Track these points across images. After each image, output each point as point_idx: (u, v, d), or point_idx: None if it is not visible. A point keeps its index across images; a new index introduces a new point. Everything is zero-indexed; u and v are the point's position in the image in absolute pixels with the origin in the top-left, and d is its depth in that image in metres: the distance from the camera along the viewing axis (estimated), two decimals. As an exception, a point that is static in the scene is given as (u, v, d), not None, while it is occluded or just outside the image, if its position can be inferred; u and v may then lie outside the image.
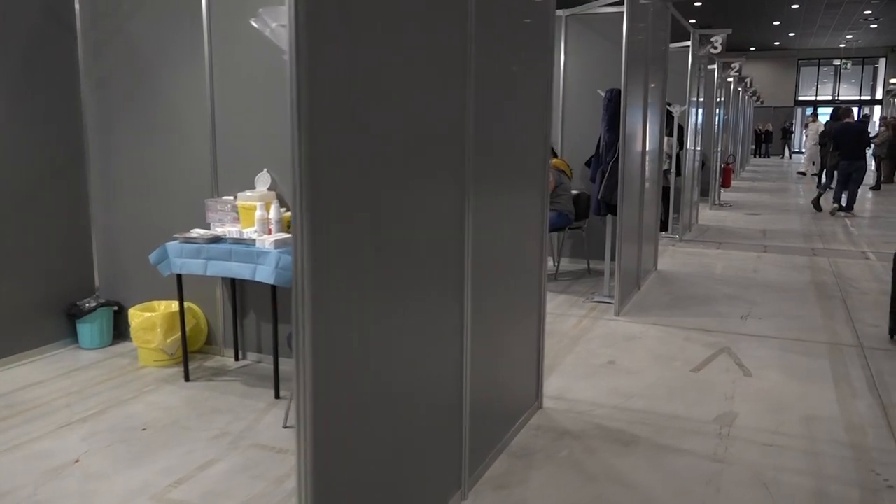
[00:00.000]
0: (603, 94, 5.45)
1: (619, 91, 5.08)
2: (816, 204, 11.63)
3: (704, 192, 12.63)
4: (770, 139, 31.00)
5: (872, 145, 13.05)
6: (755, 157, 30.27)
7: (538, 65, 3.17)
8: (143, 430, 3.19)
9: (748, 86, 15.95)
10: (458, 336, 2.51)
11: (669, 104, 8.89)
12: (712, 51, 8.09)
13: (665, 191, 9.25)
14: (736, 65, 11.21)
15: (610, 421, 3.35)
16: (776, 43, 31.64)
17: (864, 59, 33.32)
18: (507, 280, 2.96)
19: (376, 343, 1.97)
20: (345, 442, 1.83)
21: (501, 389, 2.99)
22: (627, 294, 5.59)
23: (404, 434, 2.16)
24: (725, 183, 12.55)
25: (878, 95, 32.15)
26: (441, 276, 2.34)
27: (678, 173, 8.98)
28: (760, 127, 30.53)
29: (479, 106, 2.53)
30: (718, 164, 12.48)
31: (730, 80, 14.61)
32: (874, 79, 33.56)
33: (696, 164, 9.77)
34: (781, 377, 3.95)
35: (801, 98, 34.62)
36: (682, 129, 8.81)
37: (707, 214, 11.21)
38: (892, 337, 4.75)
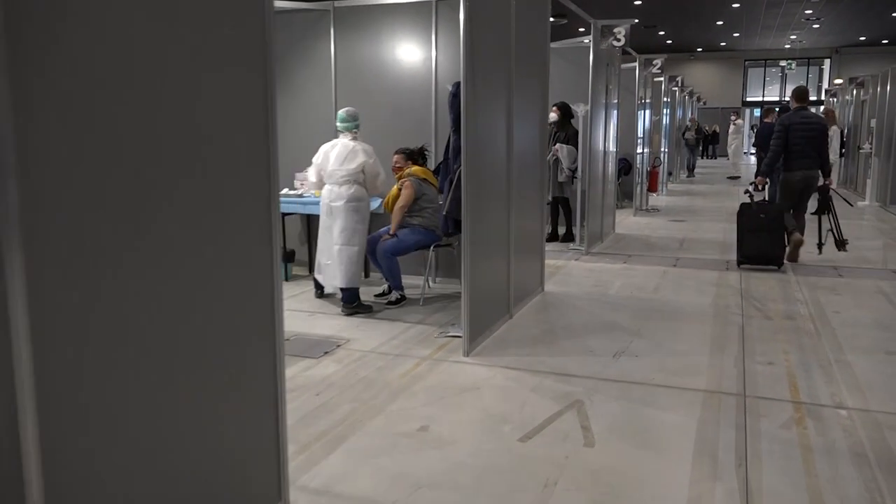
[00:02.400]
0: (450, 89, 4.56)
1: (464, 84, 4.19)
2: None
3: (631, 198, 11.91)
4: (717, 140, 30.71)
5: None
6: (702, 158, 29.92)
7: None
8: None
9: (679, 84, 15.30)
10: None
11: (568, 105, 8.06)
12: (615, 43, 7.30)
13: (565, 202, 8.47)
14: (657, 62, 10.48)
15: (370, 531, 2.43)
16: (722, 44, 31.42)
17: (809, 59, 33.38)
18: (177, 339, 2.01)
19: None
20: None
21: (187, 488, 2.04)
22: (489, 326, 4.70)
23: None
24: (651, 187, 11.83)
25: (824, 96, 32.17)
26: None
27: (573, 180, 8.25)
28: (707, 128, 30.18)
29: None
30: (644, 167, 11.75)
31: (658, 79, 13.96)
32: (820, 79, 33.64)
33: (610, 168, 8.97)
34: (629, 448, 3.08)
35: (748, 99, 34.52)
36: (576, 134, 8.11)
37: (628, 222, 10.44)
38: (739, 265, 6.81)
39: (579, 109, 7.82)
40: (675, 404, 3.55)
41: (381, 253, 5.39)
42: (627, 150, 11.59)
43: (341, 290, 5.33)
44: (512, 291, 5.12)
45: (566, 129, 8.21)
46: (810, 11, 22.86)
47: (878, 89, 13.31)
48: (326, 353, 4.37)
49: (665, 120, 15.52)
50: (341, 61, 6.35)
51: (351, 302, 5.29)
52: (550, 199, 8.35)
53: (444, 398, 3.64)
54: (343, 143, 5.32)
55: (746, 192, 7.24)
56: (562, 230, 8.69)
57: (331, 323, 5.05)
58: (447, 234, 5.21)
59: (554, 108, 8.11)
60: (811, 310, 5.40)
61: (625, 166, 12.14)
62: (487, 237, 4.60)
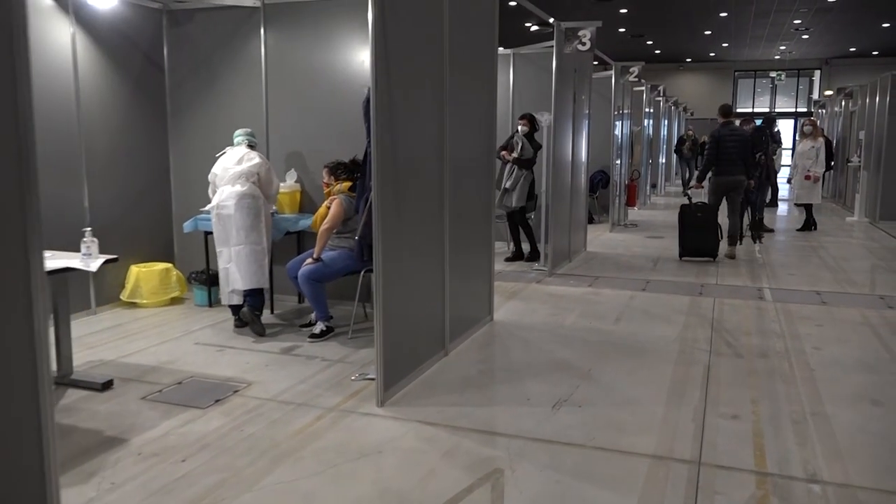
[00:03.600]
0: (364, 93, 3.94)
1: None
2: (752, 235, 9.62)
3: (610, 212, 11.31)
4: (703, 150, 30.17)
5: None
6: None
7: None
8: None
9: (661, 93, 14.74)
10: None
11: (533, 114, 7.48)
12: (580, 47, 6.71)
13: (521, 217, 7.80)
14: (635, 69, 9.91)
15: None
16: (711, 54, 31.00)
17: (799, 70, 33.05)
18: None
19: None
20: None
21: None
22: (416, 366, 4.07)
23: None
24: (630, 201, 11.23)
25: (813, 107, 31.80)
26: None
27: (530, 196, 7.65)
28: (696, 138, 29.67)
29: None
30: (622, 180, 11.16)
31: (639, 88, 13.42)
32: (810, 90, 33.26)
33: (581, 181, 8.37)
34: (546, 542, 2.45)
35: (739, 110, 34.08)
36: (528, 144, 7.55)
37: (603, 238, 9.83)
38: (680, 258, 7.91)
39: (543, 119, 7.23)
40: (614, 476, 2.92)
41: (303, 278, 4.76)
42: (607, 162, 11.02)
43: (245, 295, 4.84)
44: (448, 324, 4.48)
45: (532, 141, 7.59)
46: (799, 21, 22.42)
47: (867, 100, 12.79)
48: (218, 401, 3.72)
49: (647, 131, 14.98)
50: (272, 64, 5.73)
51: (256, 306, 4.80)
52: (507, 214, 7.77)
53: (336, 466, 2.99)
54: (238, 148, 5.05)
55: (685, 194, 8.54)
56: (535, 247, 8.03)
57: (238, 360, 4.40)
58: (362, 261, 4.58)
59: (523, 121, 7.55)
60: (788, 345, 4.78)
61: (603, 179, 11.57)
62: (412, 262, 3.98)
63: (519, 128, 7.59)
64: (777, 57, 30.75)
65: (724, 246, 8.12)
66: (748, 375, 4.16)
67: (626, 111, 11.15)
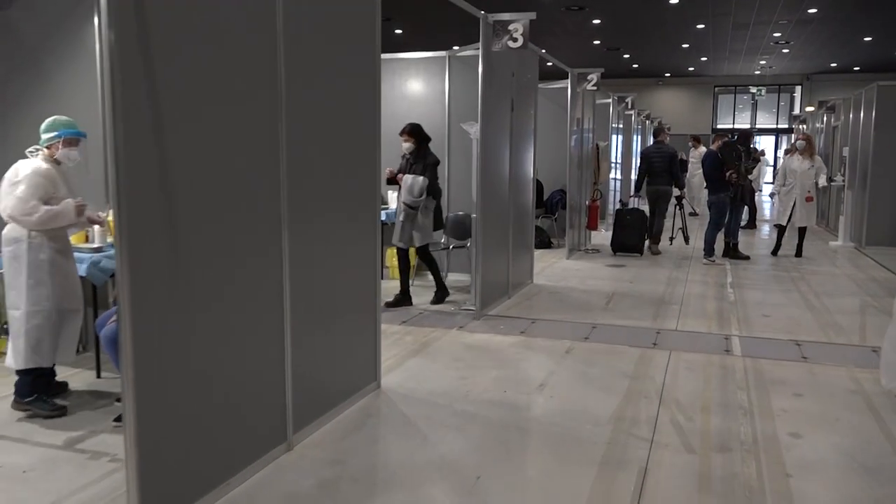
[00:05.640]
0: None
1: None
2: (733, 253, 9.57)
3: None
4: (685, 168, 29.30)
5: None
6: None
7: None
8: None
9: (628, 106, 13.65)
10: None
11: (414, 125, 6.23)
12: (511, 44, 5.57)
13: (423, 251, 6.25)
14: (593, 76, 8.80)
15: None
16: (690, 69, 30.22)
17: (780, 86, 32.41)
18: None
19: None
20: None
21: None
22: (218, 482, 2.83)
23: None
24: (591, 224, 10.09)
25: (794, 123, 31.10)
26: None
27: (438, 225, 6.30)
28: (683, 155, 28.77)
29: None
30: (582, 200, 10.00)
31: (605, 100, 12.33)
32: (791, 107, 32.56)
33: (524, 201, 7.19)
34: None
35: (719, 126, 33.26)
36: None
37: (556, 268, 8.63)
38: (614, 253, 9.75)
39: (471, 130, 6.06)
40: None
41: (106, 339, 3.52)
42: (566, 180, 9.85)
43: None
44: (291, 406, 3.25)
45: (425, 158, 6.07)
46: (779, 35, 21.57)
47: (851, 114, 11.76)
48: None
49: (615, 146, 13.89)
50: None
51: (23, 394, 3.56)
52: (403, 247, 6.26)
53: None
54: (15, 166, 3.60)
55: (621, 201, 10.79)
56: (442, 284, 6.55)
57: (-9, 461, 3.15)
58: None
59: (403, 136, 6.05)
60: (758, 428, 3.60)
61: (562, 199, 10.41)
62: (207, 315, 2.76)
63: (403, 145, 6.07)
64: (757, 72, 30.03)
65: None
66: (699, 488, 2.96)
67: (586, 124, 10.02)
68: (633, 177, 17.61)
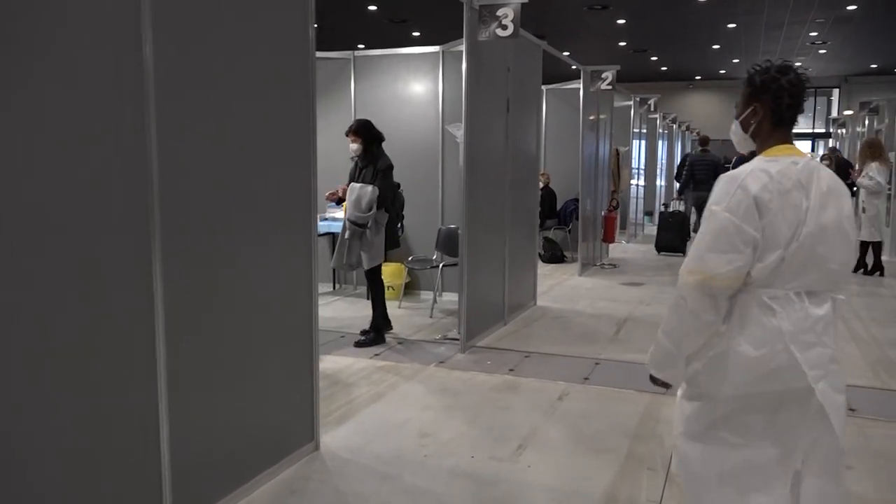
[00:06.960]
0: None
1: None
2: None
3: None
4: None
5: None
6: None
7: None
8: None
9: (651, 109, 12.71)
10: None
11: (369, 123, 5.38)
12: (500, 32, 4.78)
13: (371, 275, 5.22)
14: (607, 75, 7.95)
15: None
16: (721, 71, 29.08)
17: (816, 89, 31.04)
18: None
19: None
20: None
21: None
22: None
23: None
24: (607, 237, 9.22)
25: (831, 127, 29.78)
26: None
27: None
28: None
29: None
30: (598, 211, 9.14)
31: (626, 103, 11.47)
32: (828, 111, 31.20)
33: (527, 210, 6.37)
34: None
35: (751, 131, 32.03)
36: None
37: (566, 286, 7.78)
38: (658, 253, 10.47)
39: (456, 132, 5.27)
40: None
41: None
42: (583, 188, 9.00)
43: None
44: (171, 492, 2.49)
45: (376, 162, 5.07)
46: (815, 34, 20.40)
47: (898, 116, 10.72)
48: None
49: (637, 151, 12.98)
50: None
51: None
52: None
53: None
54: None
55: (664, 204, 11.74)
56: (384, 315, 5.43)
57: None
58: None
59: (350, 135, 5.07)
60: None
61: (577, 209, 9.57)
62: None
63: (351, 146, 5.09)
64: (792, 74, 28.78)
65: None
66: None
67: (603, 128, 9.16)
68: (660, 182, 16.73)
